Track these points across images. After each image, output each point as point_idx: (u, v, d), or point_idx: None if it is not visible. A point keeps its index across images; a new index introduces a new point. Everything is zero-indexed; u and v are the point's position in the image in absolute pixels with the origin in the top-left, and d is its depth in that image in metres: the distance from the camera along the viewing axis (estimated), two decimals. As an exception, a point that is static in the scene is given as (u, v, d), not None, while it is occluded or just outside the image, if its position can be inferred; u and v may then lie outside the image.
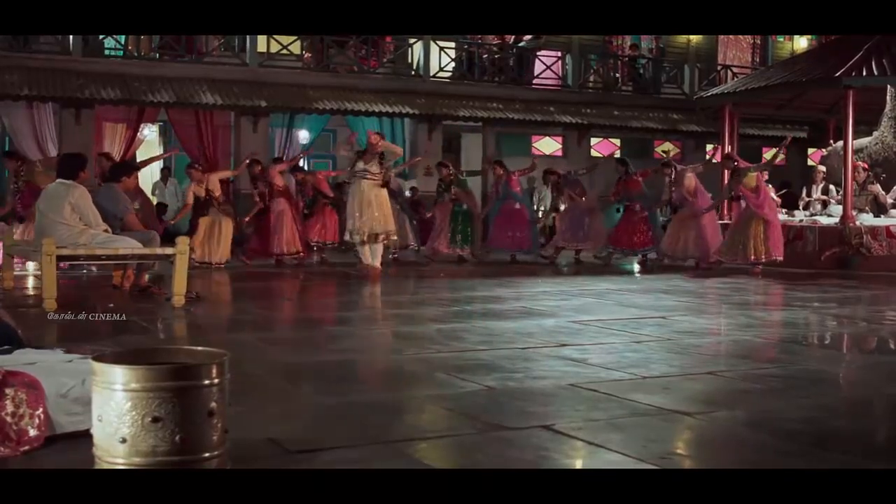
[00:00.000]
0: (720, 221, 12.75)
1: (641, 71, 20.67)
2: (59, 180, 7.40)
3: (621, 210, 13.16)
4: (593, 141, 20.29)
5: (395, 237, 10.82)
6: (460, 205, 12.80)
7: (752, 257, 11.30)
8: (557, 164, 15.66)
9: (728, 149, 13.86)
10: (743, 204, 11.72)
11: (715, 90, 16.25)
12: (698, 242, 11.94)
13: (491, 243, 13.04)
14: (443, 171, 12.98)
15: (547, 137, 20.02)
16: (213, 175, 11.68)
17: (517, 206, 12.94)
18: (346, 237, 10.43)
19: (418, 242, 13.46)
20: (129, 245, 7.24)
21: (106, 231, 7.32)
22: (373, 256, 10.13)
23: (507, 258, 12.87)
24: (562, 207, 13.52)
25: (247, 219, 12.17)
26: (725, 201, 12.71)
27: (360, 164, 10.05)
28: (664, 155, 16.34)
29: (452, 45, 18.64)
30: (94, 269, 9.65)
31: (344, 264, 11.92)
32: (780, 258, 11.35)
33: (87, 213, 7.21)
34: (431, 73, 18.28)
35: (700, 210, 11.94)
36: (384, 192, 10.21)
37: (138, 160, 13.26)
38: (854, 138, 12.67)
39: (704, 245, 11.89)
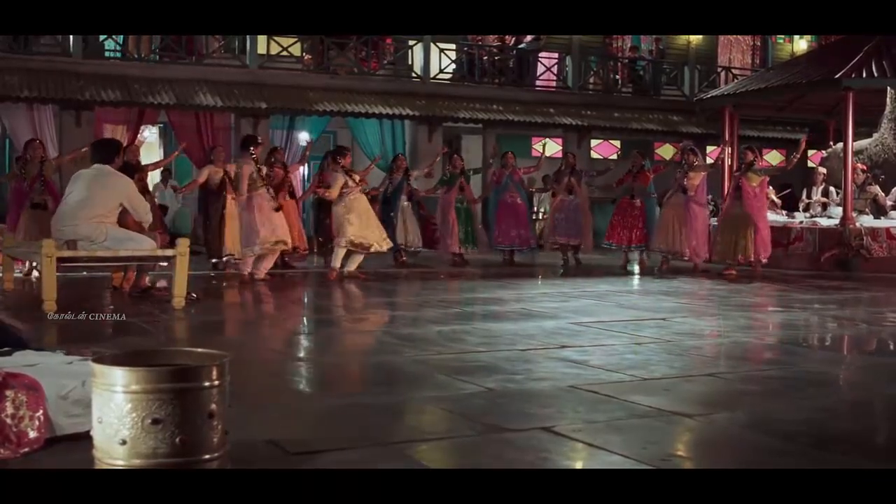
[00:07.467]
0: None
1: (641, 73, 20.64)
2: (100, 165, 7.37)
3: (617, 200, 12.92)
4: (593, 143, 20.27)
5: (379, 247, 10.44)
6: (461, 200, 12.76)
7: (742, 258, 11.20)
8: (556, 166, 15.62)
9: (728, 150, 13.84)
10: (728, 201, 11.47)
11: (715, 92, 16.22)
12: (687, 237, 11.64)
13: (497, 241, 12.88)
14: (458, 163, 12.95)
15: (547, 139, 20.00)
16: (230, 166, 11.51)
17: (518, 199, 12.86)
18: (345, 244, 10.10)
19: (419, 243, 13.34)
20: (133, 247, 7.19)
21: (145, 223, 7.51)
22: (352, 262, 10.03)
23: (507, 258, 12.80)
24: (550, 195, 13.47)
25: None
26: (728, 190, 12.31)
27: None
28: (686, 142, 16.12)
29: (453, 46, 18.63)
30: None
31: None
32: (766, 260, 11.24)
33: (138, 203, 7.36)
34: (432, 75, 18.26)
35: (690, 192, 11.59)
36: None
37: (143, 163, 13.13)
38: (854, 140, 12.66)
39: (692, 241, 11.57)
